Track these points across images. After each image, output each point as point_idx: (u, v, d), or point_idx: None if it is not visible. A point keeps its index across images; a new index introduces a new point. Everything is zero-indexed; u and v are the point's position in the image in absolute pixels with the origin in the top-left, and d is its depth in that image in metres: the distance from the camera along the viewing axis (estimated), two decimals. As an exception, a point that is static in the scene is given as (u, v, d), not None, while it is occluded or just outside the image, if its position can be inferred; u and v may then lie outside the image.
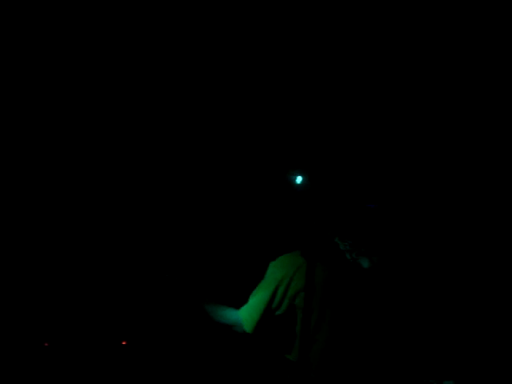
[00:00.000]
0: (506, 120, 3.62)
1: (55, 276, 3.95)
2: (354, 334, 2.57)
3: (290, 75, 3.78)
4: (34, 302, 3.90)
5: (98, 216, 4.02)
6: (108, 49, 3.74)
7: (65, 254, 3.99)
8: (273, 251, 2.87)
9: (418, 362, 2.62)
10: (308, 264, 2.56)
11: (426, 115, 3.70)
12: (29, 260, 3.92)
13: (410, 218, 3.46)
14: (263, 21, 3.68)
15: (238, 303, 2.80)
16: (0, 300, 3.82)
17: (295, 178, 3.24)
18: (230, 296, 2.87)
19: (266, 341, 3.25)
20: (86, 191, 3.99)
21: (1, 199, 3.87)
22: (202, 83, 3.86)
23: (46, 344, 3.82)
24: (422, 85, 3.67)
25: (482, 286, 3.47)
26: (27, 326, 3.85)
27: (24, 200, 3.92)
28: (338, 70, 3.71)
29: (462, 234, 3.62)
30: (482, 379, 3.08)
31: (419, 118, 3.69)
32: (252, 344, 3.70)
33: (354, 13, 3.58)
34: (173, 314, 3.93)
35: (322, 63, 3.72)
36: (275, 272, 2.72)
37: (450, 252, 3.54)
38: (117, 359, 3.86)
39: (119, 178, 4.05)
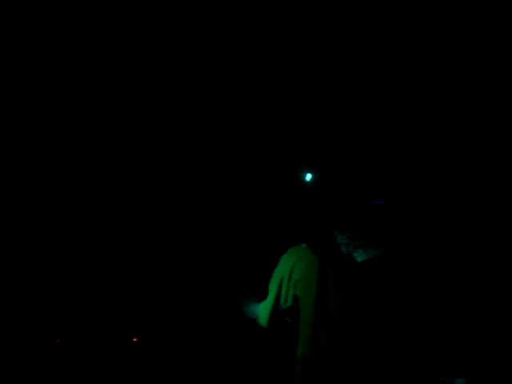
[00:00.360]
0: (506, 119, 3.59)
1: (68, 274, 3.98)
2: (346, 330, 2.53)
3: (300, 75, 3.78)
4: (46, 300, 3.94)
5: (120, 216, 4.06)
6: (108, 49, 3.77)
7: (79, 252, 4.02)
8: (286, 245, 2.91)
9: (429, 360, 2.58)
10: (309, 256, 2.64)
11: (433, 115, 3.68)
12: (42, 260, 3.97)
13: (412, 215, 3.44)
14: (277, 21, 3.69)
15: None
16: (13, 298, 3.87)
17: (305, 176, 3.23)
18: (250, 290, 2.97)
19: (275, 338, 3.29)
20: (99, 194, 4.03)
21: (5, 201, 3.92)
22: (213, 84, 3.88)
23: (58, 340, 3.85)
24: (430, 85, 3.65)
25: (487, 282, 3.41)
26: (40, 322, 3.89)
27: (38, 202, 3.97)
28: (346, 69, 3.70)
29: (461, 231, 3.58)
30: (493, 376, 3.03)
31: (427, 118, 3.67)
32: (261, 341, 3.72)
33: (364, 15, 3.58)
34: (183, 313, 3.94)
35: (331, 63, 3.71)
36: (281, 265, 2.81)
37: (451, 249, 3.50)
38: (128, 355, 3.87)
39: (141, 182, 4.08)
